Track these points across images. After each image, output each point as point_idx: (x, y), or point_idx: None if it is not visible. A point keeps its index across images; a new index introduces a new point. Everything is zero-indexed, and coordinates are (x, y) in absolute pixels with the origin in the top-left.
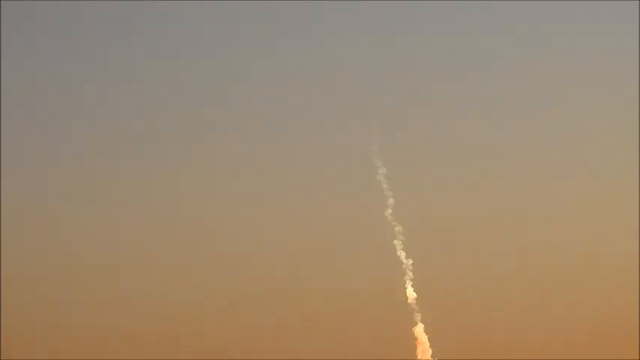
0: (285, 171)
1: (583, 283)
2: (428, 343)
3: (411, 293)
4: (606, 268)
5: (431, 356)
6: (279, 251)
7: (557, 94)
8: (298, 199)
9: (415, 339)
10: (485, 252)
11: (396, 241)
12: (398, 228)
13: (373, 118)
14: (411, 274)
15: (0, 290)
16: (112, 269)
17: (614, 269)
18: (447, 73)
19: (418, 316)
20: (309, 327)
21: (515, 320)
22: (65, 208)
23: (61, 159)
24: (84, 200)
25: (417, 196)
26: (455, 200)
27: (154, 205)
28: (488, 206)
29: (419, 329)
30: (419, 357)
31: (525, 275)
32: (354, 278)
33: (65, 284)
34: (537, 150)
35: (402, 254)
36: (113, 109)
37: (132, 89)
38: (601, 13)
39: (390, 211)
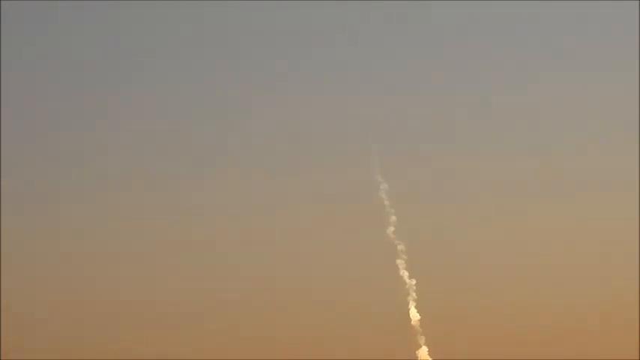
0: (282, 185)
1: (585, 294)
2: None
3: (414, 314)
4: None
5: None
6: (277, 272)
7: (557, 96)
8: (296, 214)
9: None
10: (493, 272)
11: (398, 260)
12: (400, 246)
13: (374, 131)
14: (414, 294)
15: (0, 290)
16: (113, 270)
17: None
18: (451, 83)
19: (422, 339)
20: (309, 349)
21: (524, 343)
22: (67, 208)
23: (61, 161)
24: (85, 201)
25: (420, 213)
26: (461, 217)
27: (155, 204)
28: (496, 222)
29: (423, 352)
30: None
31: (534, 297)
32: (354, 299)
33: (66, 284)
34: (544, 167)
35: (404, 274)
36: (113, 109)
37: (133, 90)
38: (601, 13)
39: (392, 228)
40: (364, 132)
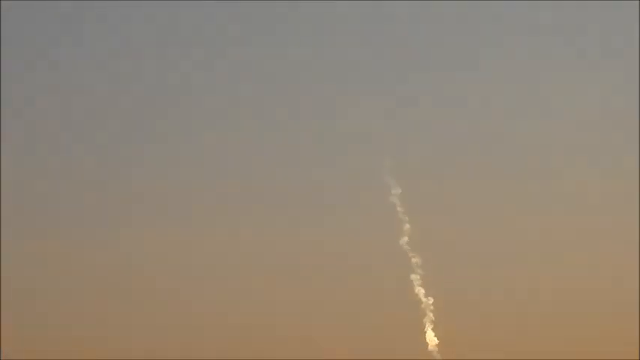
0: (282, 188)
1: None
2: None
3: (431, 338)
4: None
5: None
6: (279, 293)
7: (557, 94)
8: (295, 218)
9: None
10: (521, 289)
11: (413, 276)
12: (416, 259)
13: (385, 129)
14: (431, 315)
15: (0, 290)
16: (115, 270)
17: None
18: (472, 76)
19: None
20: None
21: None
22: (67, 207)
23: (61, 162)
24: (86, 199)
25: (438, 220)
26: (486, 226)
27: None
28: (524, 229)
29: None
30: None
31: (564, 318)
32: (361, 321)
33: (67, 284)
34: (570, 174)
35: (420, 291)
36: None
37: (132, 90)
38: (601, 12)
39: (405, 239)
40: (374, 129)
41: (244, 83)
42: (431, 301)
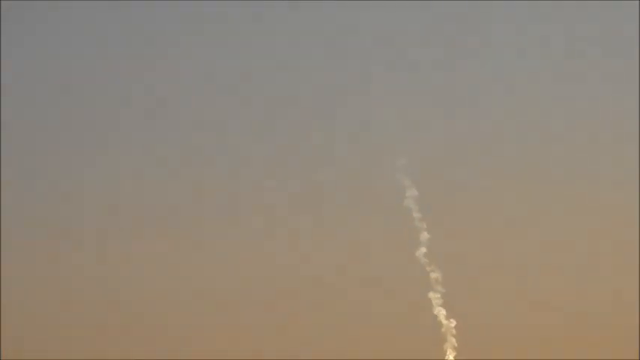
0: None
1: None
2: None
3: None
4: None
5: None
6: (279, 311)
7: (557, 94)
8: (300, 225)
9: None
10: (553, 307)
11: (432, 294)
12: (435, 274)
13: (397, 121)
14: (454, 340)
15: (0, 290)
16: (115, 270)
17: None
18: (493, 74)
19: None
20: None
21: None
22: (67, 207)
23: (61, 162)
24: (85, 198)
25: (461, 228)
26: (511, 235)
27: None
28: (552, 237)
29: None
30: None
31: (594, 336)
32: (373, 345)
33: (67, 285)
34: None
35: (440, 312)
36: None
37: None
38: (601, 12)
39: (423, 249)
40: (387, 122)
41: (249, 83)
42: (453, 323)
